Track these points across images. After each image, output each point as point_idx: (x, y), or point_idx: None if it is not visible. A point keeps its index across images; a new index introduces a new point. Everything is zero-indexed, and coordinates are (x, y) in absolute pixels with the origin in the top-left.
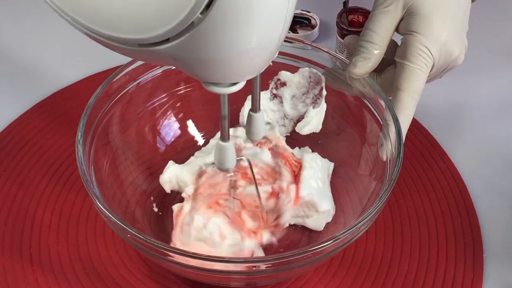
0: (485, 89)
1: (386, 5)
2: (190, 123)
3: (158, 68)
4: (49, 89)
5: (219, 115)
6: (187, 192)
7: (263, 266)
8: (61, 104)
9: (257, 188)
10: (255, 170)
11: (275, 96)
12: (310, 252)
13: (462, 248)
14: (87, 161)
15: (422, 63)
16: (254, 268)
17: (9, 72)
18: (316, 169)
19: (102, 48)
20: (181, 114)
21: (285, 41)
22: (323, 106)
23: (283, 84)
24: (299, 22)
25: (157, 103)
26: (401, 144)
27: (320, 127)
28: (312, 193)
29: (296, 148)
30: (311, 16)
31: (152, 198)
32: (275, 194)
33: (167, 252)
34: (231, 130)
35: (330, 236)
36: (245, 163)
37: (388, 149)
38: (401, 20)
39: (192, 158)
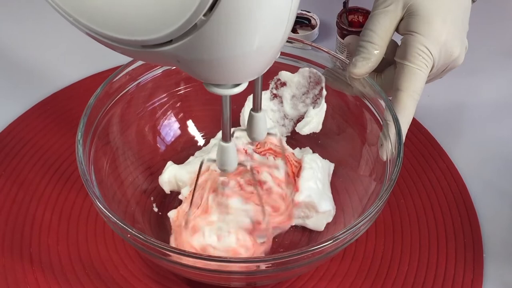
0: (485, 90)
1: (386, 5)
2: (190, 123)
3: (158, 68)
4: (50, 89)
5: (221, 116)
6: (184, 194)
7: (263, 266)
8: (61, 104)
9: (257, 189)
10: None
11: (275, 96)
12: (310, 252)
13: (462, 248)
14: (87, 161)
15: (422, 63)
16: (254, 268)
17: (9, 72)
18: (316, 170)
19: (102, 48)
20: (181, 114)
21: None
22: (323, 106)
23: (283, 84)
24: (299, 22)
25: (157, 103)
26: (401, 144)
27: (320, 127)
28: (311, 195)
29: (297, 149)
30: (311, 16)
31: (152, 198)
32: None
33: (167, 252)
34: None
35: (330, 236)
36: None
37: (388, 149)
38: (401, 20)
39: (191, 158)
